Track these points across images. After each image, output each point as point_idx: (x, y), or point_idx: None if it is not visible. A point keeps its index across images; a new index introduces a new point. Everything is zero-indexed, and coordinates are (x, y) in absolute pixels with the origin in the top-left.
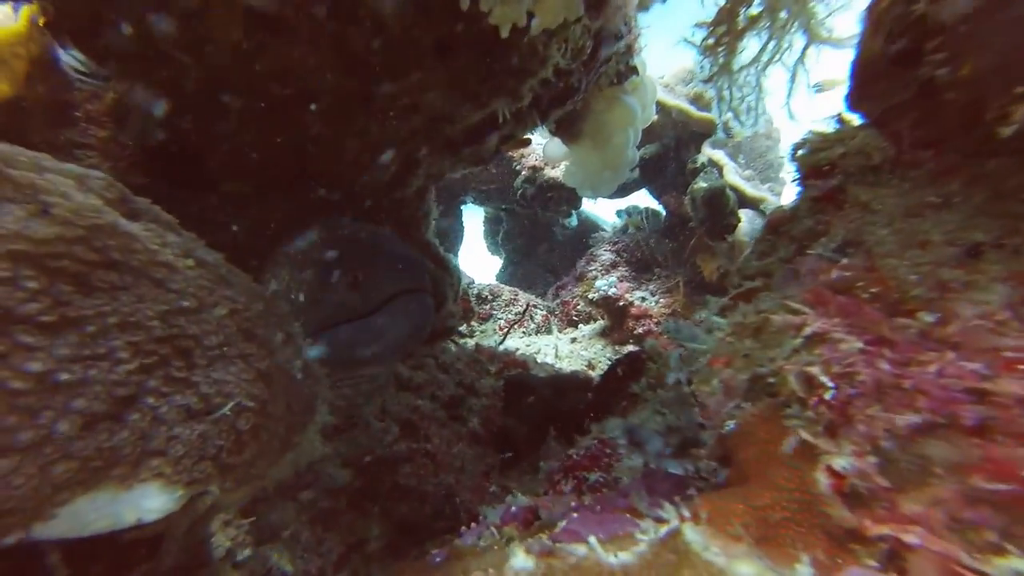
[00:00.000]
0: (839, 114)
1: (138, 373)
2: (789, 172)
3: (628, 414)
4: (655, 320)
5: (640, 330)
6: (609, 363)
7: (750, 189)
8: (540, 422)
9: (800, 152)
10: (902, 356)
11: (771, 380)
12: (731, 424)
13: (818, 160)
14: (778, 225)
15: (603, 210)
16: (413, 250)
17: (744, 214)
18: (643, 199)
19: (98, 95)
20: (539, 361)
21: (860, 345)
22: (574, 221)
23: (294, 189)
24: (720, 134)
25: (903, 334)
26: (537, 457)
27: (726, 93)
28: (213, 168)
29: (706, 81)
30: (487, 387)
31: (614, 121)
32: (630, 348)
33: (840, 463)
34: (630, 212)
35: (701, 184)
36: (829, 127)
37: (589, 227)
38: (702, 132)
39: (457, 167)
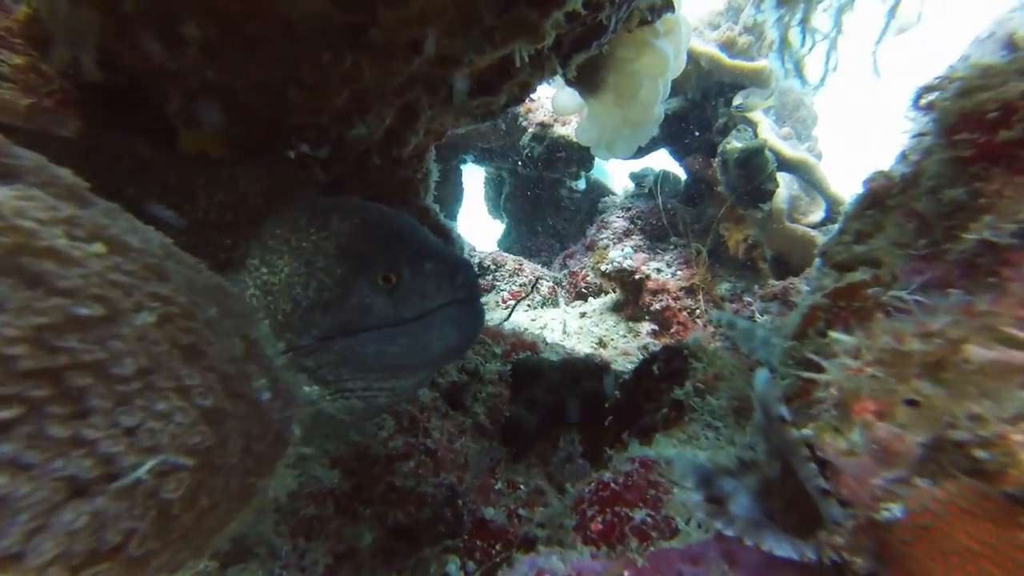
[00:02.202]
0: (1012, 37)
1: None
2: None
3: (671, 427)
4: (673, 295)
5: (657, 306)
6: (623, 341)
7: (788, 149)
8: (551, 412)
9: (937, 96)
10: None
11: (980, 454)
12: (895, 509)
13: (978, 105)
14: (884, 196)
15: (613, 172)
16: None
17: (782, 178)
18: (661, 160)
19: (5, 7)
20: (547, 340)
21: None
22: (582, 184)
23: (271, 144)
24: (773, 84)
25: None
26: (546, 449)
27: (795, 33)
28: (170, 114)
29: (781, 1)
30: (493, 372)
31: (643, 70)
32: (646, 324)
33: None
34: (644, 176)
35: (734, 144)
36: (991, 58)
37: (598, 191)
38: (733, 84)
39: (462, 122)
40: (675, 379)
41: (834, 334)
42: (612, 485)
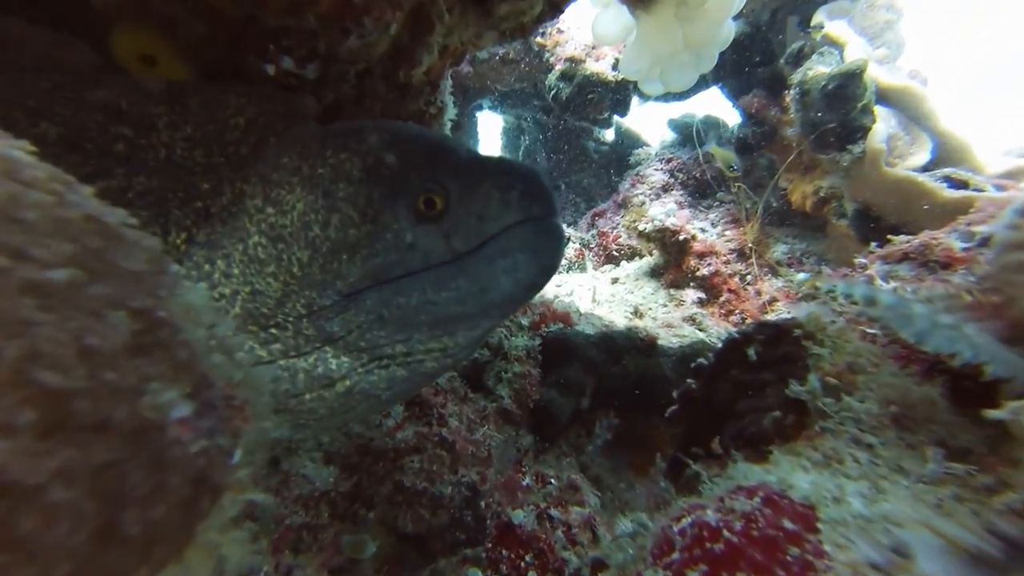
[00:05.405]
0: None
1: None
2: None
3: (793, 439)
4: (723, 259)
5: (704, 271)
6: (664, 311)
7: (887, 76)
8: (589, 395)
9: None
10: None
11: None
12: None
13: None
14: None
15: (644, 122)
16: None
17: (879, 111)
18: (711, 102)
19: None
20: (580, 311)
21: None
22: (611, 135)
23: (241, 53)
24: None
25: None
26: (580, 436)
27: None
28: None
29: None
30: (520, 348)
31: None
32: (691, 291)
33: None
34: (686, 123)
35: (820, 69)
36: None
37: (628, 142)
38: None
39: (486, 39)
40: (785, 368)
41: None
42: (725, 533)
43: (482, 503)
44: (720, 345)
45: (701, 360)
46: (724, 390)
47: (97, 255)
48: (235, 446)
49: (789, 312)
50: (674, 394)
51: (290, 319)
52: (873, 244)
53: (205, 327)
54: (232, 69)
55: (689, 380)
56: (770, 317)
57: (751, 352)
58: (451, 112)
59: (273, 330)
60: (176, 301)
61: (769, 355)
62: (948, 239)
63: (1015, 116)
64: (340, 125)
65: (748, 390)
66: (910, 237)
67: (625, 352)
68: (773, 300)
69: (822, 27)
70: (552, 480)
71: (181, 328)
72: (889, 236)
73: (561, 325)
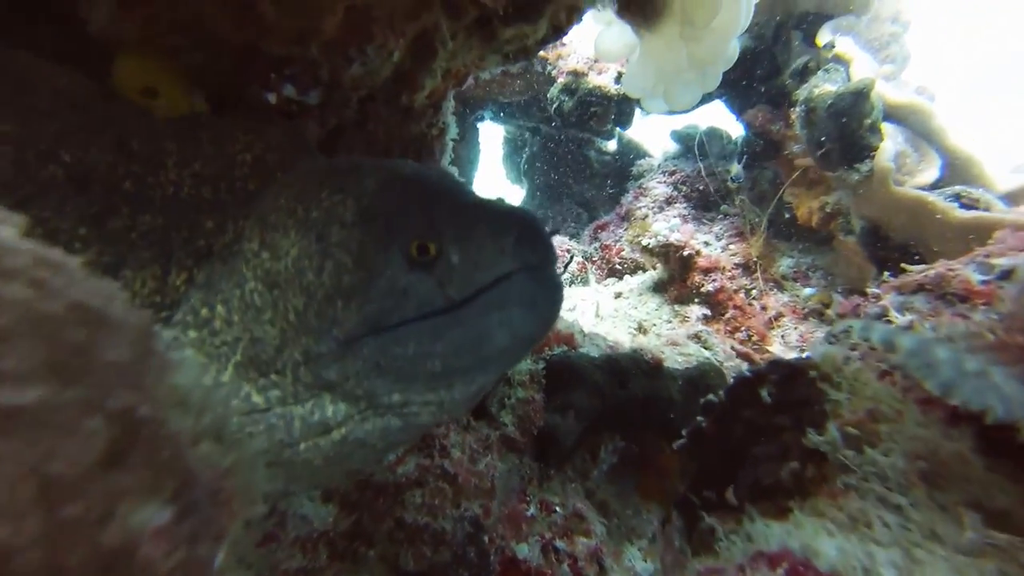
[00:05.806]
0: None
1: None
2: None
3: (813, 495)
4: (728, 274)
5: (709, 286)
6: (668, 327)
7: (894, 93)
8: (594, 420)
9: None
10: None
11: None
12: None
13: None
14: None
15: (647, 131)
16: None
17: (886, 128)
18: (713, 115)
19: None
20: (584, 331)
21: None
22: (613, 144)
23: (244, 82)
24: (873, 8)
25: None
26: (585, 461)
27: None
28: (94, 29)
29: None
30: (524, 372)
31: None
32: (696, 307)
33: None
34: (689, 134)
35: (826, 87)
36: None
37: (631, 153)
38: (816, 13)
39: (489, 61)
40: (801, 413)
41: None
42: None
43: (485, 538)
44: (731, 382)
45: (711, 397)
46: (737, 431)
47: (77, 351)
48: (218, 550)
49: (804, 351)
50: (683, 432)
51: (288, 366)
52: (886, 273)
53: (193, 413)
54: (234, 97)
55: (699, 418)
56: (784, 356)
57: (764, 393)
58: (453, 132)
59: (273, 376)
60: (162, 387)
61: (783, 397)
62: (965, 271)
63: (1015, 116)
64: (338, 163)
65: (762, 434)
66: (925, 268)
67: (630, 375)
68: (779, 316)
69: (833, 46)
70: (557, 508)
71: (165, 422)
72: (904, 265)
73: (565, 347)
